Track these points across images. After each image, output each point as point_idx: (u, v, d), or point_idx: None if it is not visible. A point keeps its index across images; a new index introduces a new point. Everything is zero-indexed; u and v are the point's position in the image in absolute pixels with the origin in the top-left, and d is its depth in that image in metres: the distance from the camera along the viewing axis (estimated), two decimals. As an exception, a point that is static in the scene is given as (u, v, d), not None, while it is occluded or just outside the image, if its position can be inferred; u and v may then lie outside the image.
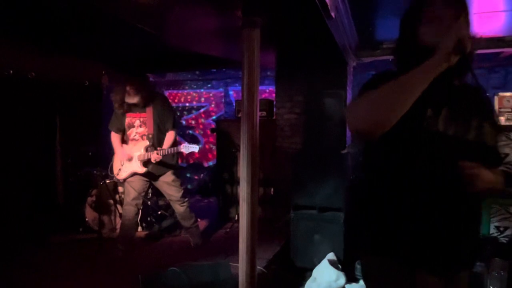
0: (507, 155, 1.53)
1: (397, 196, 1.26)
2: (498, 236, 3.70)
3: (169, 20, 3.50)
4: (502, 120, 3.83)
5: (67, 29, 3.79)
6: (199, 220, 3.99)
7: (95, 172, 4.38)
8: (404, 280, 1.25)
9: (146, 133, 3.43)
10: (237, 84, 7.49)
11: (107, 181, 4.15)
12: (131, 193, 3.52)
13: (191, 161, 7.77)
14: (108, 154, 5.22)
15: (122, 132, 3.56)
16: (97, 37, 4.17)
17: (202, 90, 7.86)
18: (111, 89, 3.51)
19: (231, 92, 7.64)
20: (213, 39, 4.17)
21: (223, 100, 7.70)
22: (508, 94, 3.85)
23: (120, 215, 4.14)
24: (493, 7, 3.35)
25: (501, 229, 3.73)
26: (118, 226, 4.10)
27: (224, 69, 6.89)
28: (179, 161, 4.13)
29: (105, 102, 5.83)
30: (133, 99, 3.34)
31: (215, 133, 5.21)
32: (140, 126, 3.46)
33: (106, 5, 3.08)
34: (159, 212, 4.51)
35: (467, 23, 1.22)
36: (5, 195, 3.97)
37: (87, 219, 4.16)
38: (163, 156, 3.33)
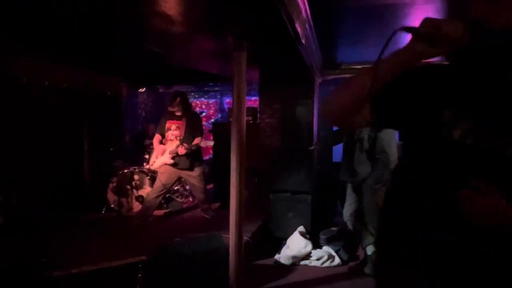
0: None
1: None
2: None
3: (175, 43, 3.47)
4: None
5: (93, 49, 3.72)
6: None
7: (115, 164, 4.33)
8: None
9: (179, 135, 3.49)
10: (229, 95, 7.45)
11: (125, 171, 4.10)
12: (158, 182, 3.56)
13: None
14: (125, 149, 5.18)
15: (162, 136, 3.58)
16: (117, 55, 4.10)
17: (201, 99, 7.80)
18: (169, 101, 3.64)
19: (224, 101, 7.60)
20: (210, 59, 4.15)
21: (218, 107, 7.66)
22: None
23: (136, 198, 4.09)
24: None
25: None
26: (134, 206, 4.05)
27: (219, 83, 6.84)
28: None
29: (124, 108, 5.74)
30: (173, 108, 3.50)
31: (212, 133, 5.18)
32: (175, 130, 3.53)
33: (125, 31, 3.03)
34: (167, 196, 4.47)
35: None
36: (44, 182, 3.88)
37: (109, 201, 4.09)
38: (187, 150, 3.40)
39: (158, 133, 3.63)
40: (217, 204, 4.36)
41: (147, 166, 3.75)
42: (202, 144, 3.52)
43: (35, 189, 3.78)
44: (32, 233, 3.16)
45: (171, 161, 3.46)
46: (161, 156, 3.52)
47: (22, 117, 3.81)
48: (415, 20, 2.81)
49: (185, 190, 4.62)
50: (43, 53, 3.91)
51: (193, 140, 3.52)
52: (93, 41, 3.40)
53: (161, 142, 3.61)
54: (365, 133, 2.77)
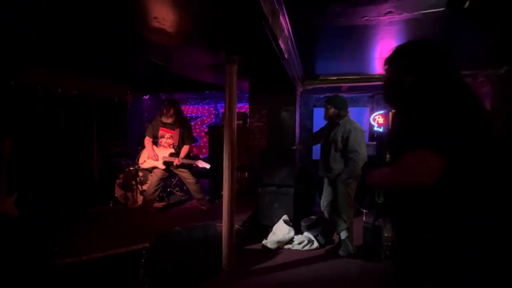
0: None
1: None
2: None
3: (175, 56, 3.44)
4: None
5: (103, 59, 3.65)
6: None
7: (122, 162, 4.26)
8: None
9: (172, 144, 3.42)
10: (223, 101, 7.42)
11: (131, 168, 4.04)
12: (153, 177, 3.50)
13: (191, 154, 7.64)
14: (131, 149, 5.10)
15: (154, 138, 3.46)
16: (124, 65, 4.04)
17: (199, 105, 7.74)
18: (160, 110, 3.40)
19: (219, 107, 7.58)
20: (206, 70, 4.13)
21: (213, 112, 7.62)
22: (398, 111, 4.05)
23: (140, 192, 4.03)
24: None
25: (393, 197, 3.93)
26: (139, 200, 3.99)
27: (214, 91, 6.81)
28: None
29: (130, 113, 5.64)
30: (167, 120, 3.34)
31: (208, 135, 5.16)
32: (169, 138, 3.44)
33: (132, 45, 2.99)
34: (168, 190, 4.43)
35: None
36: (57, 179, 3.79)
37: (116, 195, 4.02)
38: (181, 162, 3.41)
39: (149, 136, 3.45)
40: (207, 197, 4.36)
41: (141, 165, 3.65)
42: (199, 165, 3.44)
43: (49, 185, 3.68)
44: (46, 225, 3.07)
45: (163, 167, 3.45)
46: (154, 161, 3.45)
47: (37, 120, 3.71)
48: (380, 39, 2.87)
49: (184, 185, 4.58)
50: (57, 63, 3.82)
51: (182, 147, 3.49)
52: (102, 52, 3.34)
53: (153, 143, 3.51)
54: (339, 135, 2.82)
